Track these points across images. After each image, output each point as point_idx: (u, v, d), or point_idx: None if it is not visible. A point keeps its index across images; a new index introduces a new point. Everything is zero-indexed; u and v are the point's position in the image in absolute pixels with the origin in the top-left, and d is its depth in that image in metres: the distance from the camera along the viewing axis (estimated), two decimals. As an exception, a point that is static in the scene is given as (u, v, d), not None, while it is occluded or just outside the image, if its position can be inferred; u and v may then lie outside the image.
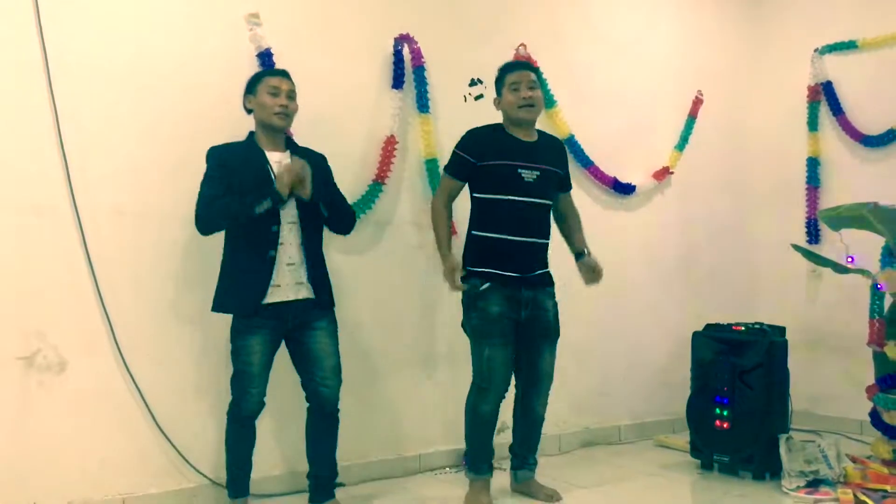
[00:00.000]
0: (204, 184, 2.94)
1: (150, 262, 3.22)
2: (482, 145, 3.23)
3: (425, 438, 3.85)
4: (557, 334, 3.36)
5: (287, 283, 2.93)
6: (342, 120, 3.63)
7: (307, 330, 3.00)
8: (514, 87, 3.25)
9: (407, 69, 3.80)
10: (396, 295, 3.78)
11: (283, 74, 3.06)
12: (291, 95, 3.01)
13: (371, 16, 3.75)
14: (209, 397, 3.30)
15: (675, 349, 4.34)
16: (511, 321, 3.19)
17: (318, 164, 3.06)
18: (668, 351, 4.51)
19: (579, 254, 3.43)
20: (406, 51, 3.79)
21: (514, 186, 3.18)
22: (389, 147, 3.71)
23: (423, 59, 3.81)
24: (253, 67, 3.41)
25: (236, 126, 3.37)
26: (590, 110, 4.38)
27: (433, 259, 3.88)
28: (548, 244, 3.34)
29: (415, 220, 3.82)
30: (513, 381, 3.32)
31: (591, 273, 3.38)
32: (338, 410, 3.09)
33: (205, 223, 2.92)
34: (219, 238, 3.23)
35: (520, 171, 3.18)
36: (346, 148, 3.59)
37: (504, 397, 3.25)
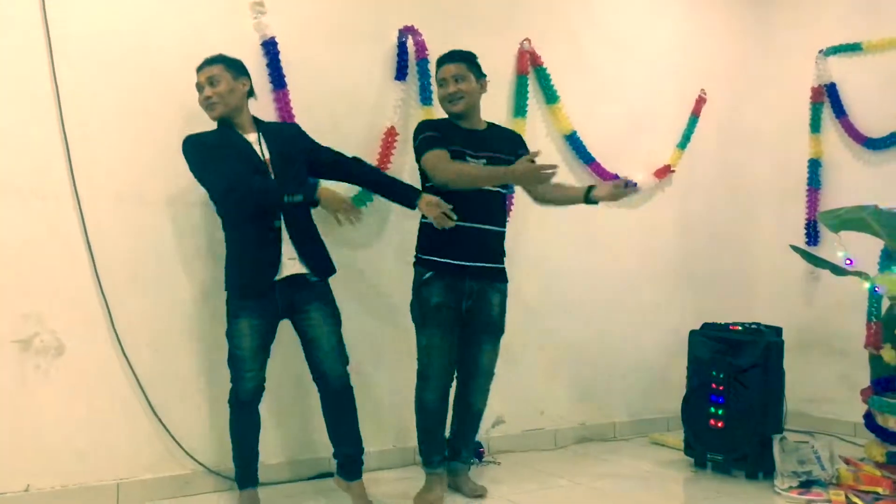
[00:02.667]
0: (209, 166, 2.89)
1: (149, 248, 3.22)
2: (439, 128, 3.19)
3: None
4: (501, 331, 3.31)
5: (284, 259, 2.90)
6: (344, 110, 3.63)
7: (300, 314, 2.98)
8: (442, 83, 3.22)
9: (410, 61, 3.80)
10: (396, 287, 3.78)
11: (205, 64, 2.98)
12: (212, 82, 2.94)
13: (376, 6, 3.74)
14: (206, 384, 3.31)
15: (673, 347, 4.34)
16: (452, 311, 3.16)
17: (294, 135, 3.08)
18: (666, 349, 4.52)
19: (588, 191, 3.27)
20: (410, 42, 3.79)
21: None
22: (390, 139, 3.71)
23: (427, 52, 3.80)
24: (257, 55, 3.41)
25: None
26: (593, 107, 4.37)
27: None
28: (500, 233, 3.26)
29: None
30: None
31: (612, 190, 3.22)
32: (350, 388, 3.03)
33: (240, 197, 2.86)
34: (212, 224, 3.24)
35: (467, 157, 3.14)
36: (347, 138, 3.58)
37: (450, 387, 3.24)
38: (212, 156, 2.91)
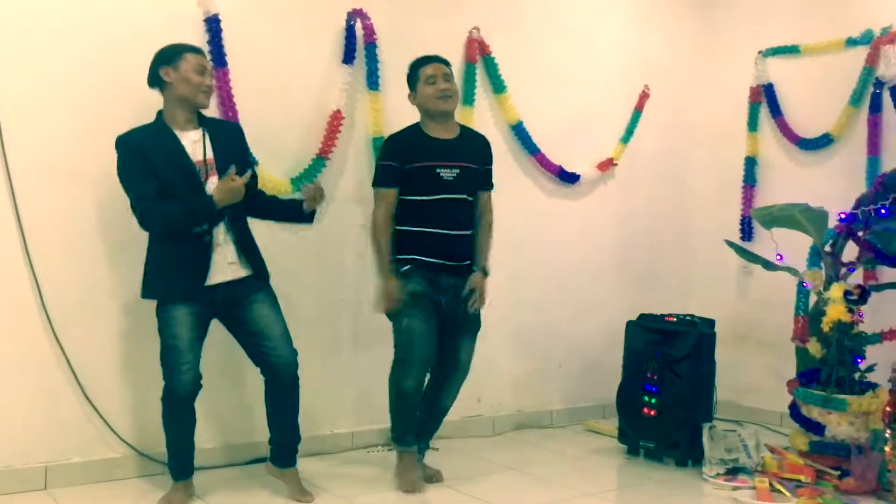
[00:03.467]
0: (131, 178, 2.80)
1: (82, 225, 3.14)
2: (404, 150, 3.23)
3: (360, 416, 3.85)
4: (478, 326, 3.37)
5: (218, 262, 2.85)
6: (289, 92, 3.59)
7: (243, 306, 2.92)
8: (431, 80, 3.24)
9: (358, 45, 3.77)
10: (336, 272, 3.77)
11: (203, 53, 2.96)
12: (212, 74, 2.98)
13: (324, -12, 3.70)
14: (138, 366, 3.24)
15: (610, 337, 4.42)
16: (432, 301, 3.21)
17: (234, 137, 3.02)
18: (603, 338, 4.60)
19: (478, 268, 3.33)
20: (359, 26, 3.76)
21: (434, 186, 3.20)
22: (335, 122, 3.68)
23: (375, 36, 3.78)
24: (200, 32, 3.35)
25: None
26: (539, 98, 4.40)
27: (364, 240, 3.87)
28: (469, 236, 3.33)
29: (358, 197, 3.80)
30: None
31: (473, 294, 3.27)
32: (297, 378, 3.01)
33: (148, 226, 2.82)
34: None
35: (438, 170, 3.20)
36: (292, 120, 3.55)
37: (428, 372, 3.26)
38: (134, 167, 2.79)
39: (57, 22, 3.06)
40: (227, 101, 3.39)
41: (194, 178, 2.83)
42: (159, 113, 2.92)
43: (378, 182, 3.28)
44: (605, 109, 4.71)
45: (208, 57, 2.99)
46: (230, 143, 2.96)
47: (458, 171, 3.23)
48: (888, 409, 3.57)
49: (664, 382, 3.81)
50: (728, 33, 5.02)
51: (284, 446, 3.08)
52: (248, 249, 2.95)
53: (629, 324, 4.08)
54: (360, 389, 3.85)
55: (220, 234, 2.87)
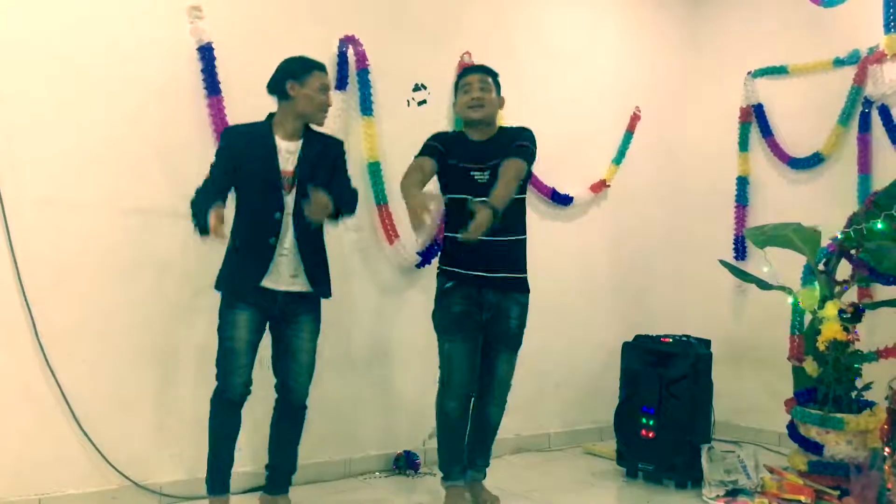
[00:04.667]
0: (212, 166, 2.97)
1: (76, 255, 3.13)
2: (447, 142, 3.29)
3: (356, 442, 3.82)
4: (519, 343, 3.34)
5: (282, 272, 2.91)
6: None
7: (290, 321, 2.97)
8: (466, 90, 3.29)
9: (351, 71, 3.79)
10: (331, 298, 3.75)
11: (327, 71, 3.07)
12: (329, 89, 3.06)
13: (317, 15, 3.72)
14: (133, 396, 3.23)
15: (606, 358, 4.42)
16: (473, 320, 3.21)
17: (329, 150, 3.06)
18: (600, 360, 4.59)
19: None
20: (351, 52, 3.78)
21: (467, 187, 3.18)
22: (330, 148, 3.68)
23: (367, 62, 3.80)
24: (193, 60, 3.36)
25: (173, 114, 3.33)
26: (531, 121, 4.35)
27: (371, 263, 3.88)
28: (518, 241, 3.29)
29: (356, 224, 3.79)
30: None
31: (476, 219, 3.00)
32: (305, 407, 3.05)
33: (193, 210, 2.90)
34: (147, 232, 3.18)
35: (472, 172, 3.21)
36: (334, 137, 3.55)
37: (471, 396, 3.25)
38: (218, 157, 2.97)
39: (51, 49, 3.06)
40: (221, 128, 3.39)
41: (276, 186, 2.90)
42: (270, 115, 3.01)
43: (418, 154, 3.28)
44: (596, 131, 4.74)
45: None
46: (321, 158, 2.99)
47: (489, 172, 3.18)
48: (886, 427, 3.56)
49: (662, 404, 3.80)
50: (717, 54, 5.07)
51: (280, 472, 3.08)
52: (312, 266, 2.97)
53: (625, 345, 4.07)
54: (355, 415, 3.83)
55: (287, 243, 2.91)
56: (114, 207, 3.19)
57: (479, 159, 3.23)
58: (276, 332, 3.01)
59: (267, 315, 2.95)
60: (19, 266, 3.00)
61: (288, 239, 2.92)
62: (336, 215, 2.97)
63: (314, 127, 3.05)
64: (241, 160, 2.90)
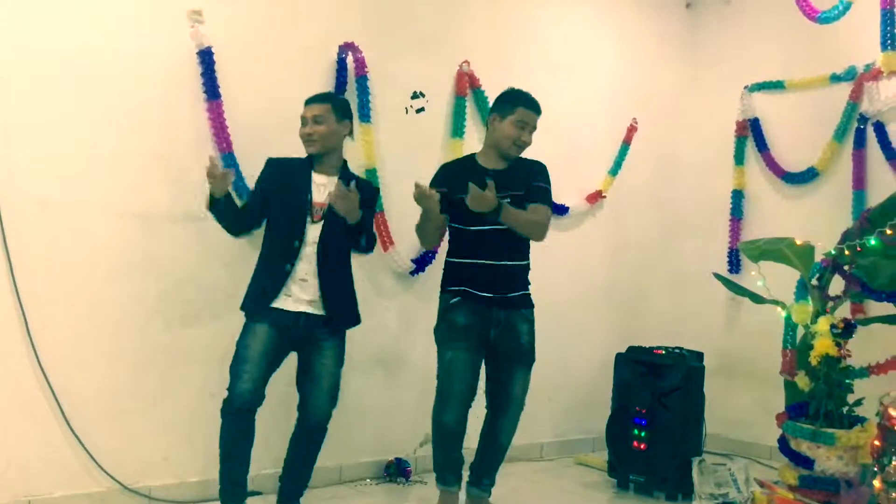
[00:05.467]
0: (253, 191, 3.16)
1: (72, 257, 3.12)
2: (451, 177, 3.22)
3: (347, 449, 3.82)
4: (532, 359, 3.30)
5: (297, 296, 2.98)
6: (282, 123, 3.58)
7: (314, 346, 3.02)
8: (521, 125, 3.22)
9: (350, 78, 3.80)
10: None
11: (311, 101, 3.11)
12: (317, 120, 3.05)
13: (317, 22, 3.73)
14: (124, 399, 3.22)
15: (600, 369, 4.42)
16: (479, 334, 3.17)
17: (364, 191, 3.10)
18: (593, 371, 4.60)
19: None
20: (350, 59, 3.79)
21: (481, 217, 3.08)
22: (328, 154, 3.69)
23: (366, 69, 3.81)
24: (193, 64, 3.36)
25: (173, 118, 3.34)
26: None
27: (369, 269, 3.88)
28: (524, 266, 3.31)
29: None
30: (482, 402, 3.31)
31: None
32: (324, 430, 3.07)
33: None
34: (144, 235, 3.18)
35: None
36: (285, 151, 3.53)
37: (470, 406, 3.20)
38: (256, 182, 3.12)
39: (50, 51, 3.07)
40: (220, 132, 3.40)
41: (302, 215, 3.00)
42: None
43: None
44: (593, 142, 4.75)
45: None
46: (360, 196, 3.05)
47: (507, 200, 3.11)
48: (876, 443, 3.57)
49: (654, 416, 3.81)
50: (714, 68, 5.10)
51: (292, 486, 3.10)
52: (332, 294, 3.03)
53: (618, 356, 4.08)
54: (347, 421, 3.82)
55: (307, 271, 2.99)
56: (111, 210, 3.19)
57: (496, 188, 3.07)
58: (300, 354, 3.07)
59: (289, 335, 2.98)
60: (14, 267, 2.99)
61: (309, 266, 2.99)
62: (359, 234, 3.07)
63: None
64: (275, 188, 3.04)
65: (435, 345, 3.26)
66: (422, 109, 4.03)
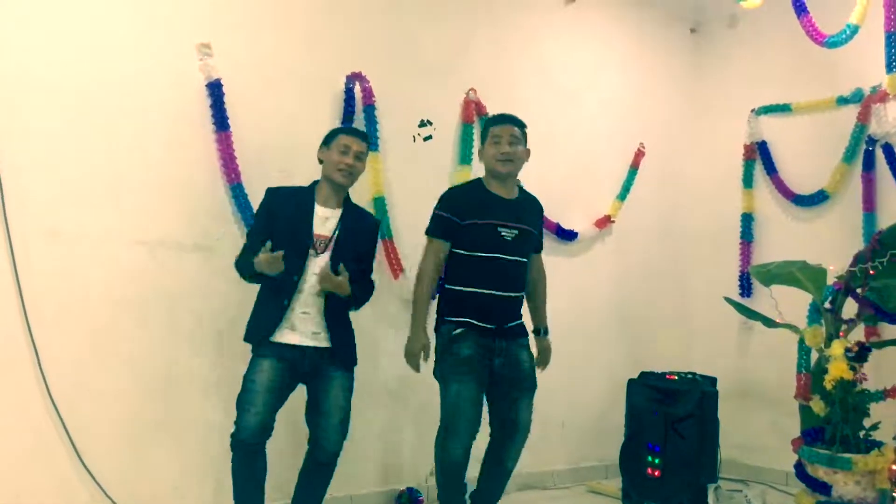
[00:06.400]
0: (250, 228, 3.15)
1: (82, 287, 3.13)
2: (463, 204, 3.21)
3: (357, 479, 3.79)
4: (534, 385, 3.30)
5: (302, 329, 2.97)
6: (290, 153, 3.62)
7: (322, 379, 3.00)
8: (496, 140, 3.24)
9: (357, 107, 3.83)
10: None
11: (358, 135, 3.13)
12: (360, 157, 3.08)
13: (324, 52, 3.77)
14: (133, 430, 3.21)
15: (612, 395, 4.38)
16: (483, 366, 3.15)
17: (367, 224, 3.17)
18: (605, 397, 4.56)
19: (538, 330, 3.45)
20: (357, 89, 3.82)
21: (493, 245, 3.16)
22: (336, 183, 3.71)
23: (373, 98, 3.84)
24: (202, 97, 3.40)
25: (183, 149, 3.36)
26: (536, 156, 4.37)
27: (377, 299, 3.86)
28: (522, 297, 3.34)
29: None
30: (487, 430, 3.28)
31: (543, 355, 3.41)
32: (336, 463, 3.05)
33: (239, 272, 3.04)
34: (154, 265, 3.19)
35: (499, 229, 3.18)
36: (293, 181, 3.56)
37: (474, 438, 3.15)
38: (258, 217, 3.09)
39: (60, 83, 3.10)
40: (229, 163, 3.42)
41: (304, 248, 2.98)
42: (315, 182, 3.14)
43: (431, 231, 3.25)
44: (601, 167, 4.76)
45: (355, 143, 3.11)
46: (360, 232, 3.11)
47: (517, 231, 3.20)
48: (894, 467, 3.52)
49: (667, 442, 3.77)
50: (720, 92, 5.11)
51: None
52: (336, 327, 3.02)
53: (630, 382, 4.05)
54: (357, 451, 3.79)
55: (311, 303, 2.98)
56: (121, 240, 3.21)
57: (507, 217, 3.21)
58: (309, 387, 3.05)
59: (296, 369, 2.97)
60: (24, 297, 3.00)
61: (310, 299, 2.98)
62: (352, 301, 3.07)
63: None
64: (277, 219, 3.00)
65: (434, 375, 3.22)
66: (429, 137, 4.06)
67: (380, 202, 3.85)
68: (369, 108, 3.83)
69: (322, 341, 3.00)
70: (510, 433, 3.24)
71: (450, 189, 3.37)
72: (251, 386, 2.91)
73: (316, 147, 3.68)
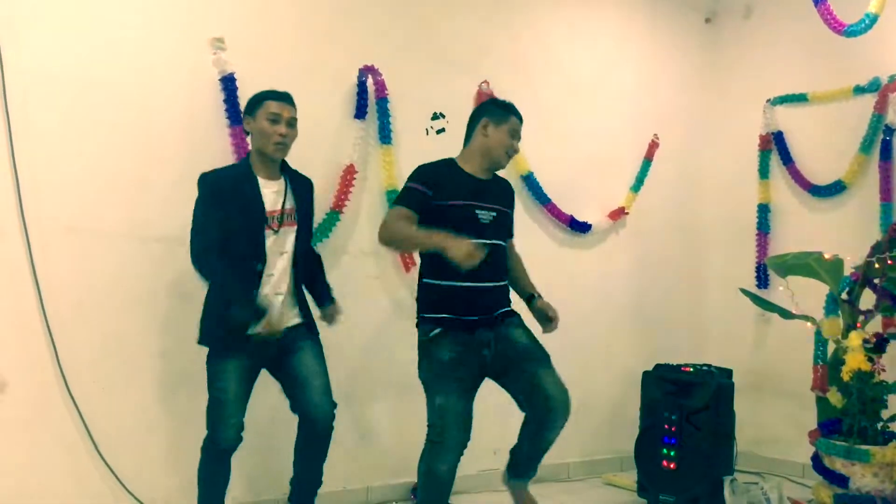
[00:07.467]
0: (197, 212, 2.82)
1: (99, 283, 3.16)
2: (437, 179, 2.96)
3: (373, 470, 3.80)
4: (546, 355, 3.03)
5: (280, 312, 2.86)
6: (303, 147, 3.58)
7: (291, 353, 2.89)
8: (513, 134, 3.07)
9: (370, 100, 3.83)
10: (349, 324, 3.75)
11: (285, 99, 2.91)
12: (292, 123, 2.90)
13: (337, 46, 3.77)
14: (153, 424, 3.24)
15: (626, 388, 4.37)
16: (470, 368, 2.90)
17: (308, 190, 3.06)
18: (619, 389, 4.55)
19: (530, 298, 3.19)
20: (370, 82, 3.82)
21: (469, 228, 2.87)
22: (349, 176, 3.72)
23: (386, 91, 3.84)
24: (215, 90, 3.41)
25: (196, 144, 3.37)
26: (550, 148, 4.44)
27: (390, 290, 3.89)
28: (507, 286, 3.14)
29: (373, 250, 3.81)
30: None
31: (546, 317, 3.13)
32: (332, 429, 2.94)
33: (197, 268, 2.83)
34: (170, 261, 3.20)
35: (476, 211, 2.95)
36: (306, 174, 3.57)
37: (462, 454, 2.90)
38: (205, 206, 2.82)
39: (74, 79, 3.12)
40: (243, 157, 3.43)
41: (260, 228, 2.81)
42: (248, 154, 2.96)
43: (399, 201, 2.95)
44: (614, 159, 4.73)
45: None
46: (308, 200, 3.02)
47: (494, 213, 3.00)
48: (913, 459, 3.49)
49: (683, 434, 3.75)
50: (735, 82, 5.07)
51: (306, 485, 3.03)
52: (301, 299, 2.95)
53: (645, 374, 4.04)
54: (373, 443, 3.81)
55: (284, 284, 2.87)
56: (137, 236, 3.23)
57: (484, 198, 2.99)
58: (281, 368, 2.91)
59: (262, 358, 2.87)
60: (42, 293, 3.03)
61: (284, 280, 2.87)
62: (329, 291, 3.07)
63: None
64: (226, 204, 2.79)
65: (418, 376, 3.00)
66: (442, 130, 4.05)
67: (393, 195, 3.84)
68: (382, 101, 3.83)
69: (295, 318, 2.92)
70: (547, 409, 2.97)
71: (422, 165, 3.05)
72: (222, 396, 2.79)
73: (328, 140, 3.71)
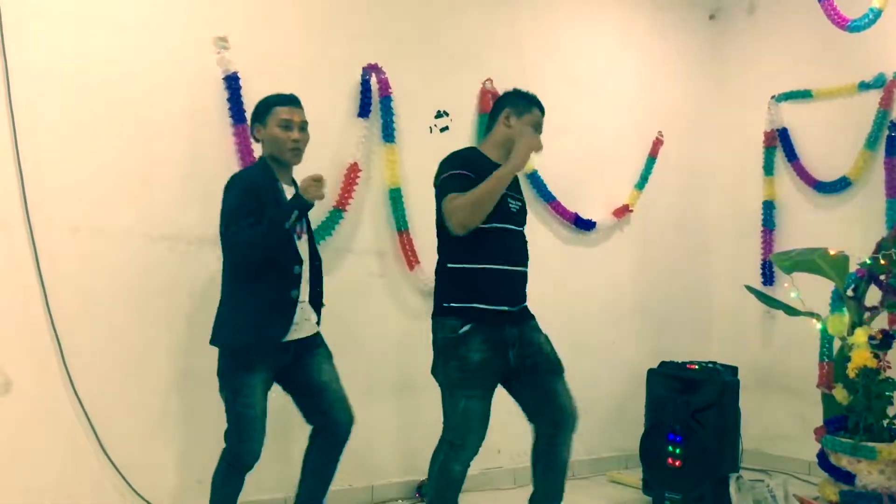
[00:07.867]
0: (234, 201, 2.73)
1: (104, 282, 3.17)
2: (474, 166, 2.87)
3: (378, 469, 3.80)
4: (562, 366, 2.99)
5: (298, 320, 2.79)
6: (307, 146, 3.62)
7: (308, 358, 2.83)
8: (536, 127, 3.01)
9: (374, 99, 3.83)
10: (353, 323, 3.76)
11: (293, 103, 2.85)
12: (304, 127, 2.84)
13: (340, 44, 3.77)
14: (157, 422, 3.24)
15: (631, 385, 4.37)
16: (495, 368, 2.83)
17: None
18: (624, 387, 4.54)
19: None
20: (374, 80, 3.82)
21: (502, 214, 2.85)
22: (352, 174, 3.72)
23: (390, 90, 3.84)
24: (219, 90, 3.41)
25: (200, 143, 3.38)
26: (553, 146, 4.37)
27: (393, 288, 3.89)
28: (526, 273, 3.04)
29: (376, 248, 3.82)
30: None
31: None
32: (349, 436, 2.91)
33: (237, 251, 2.73)
34: (175, 260, 3.20)
35: (507, 199, 2.90)
36: (309, 173, 3.58)
37: (476, 454, 2.89)
38: (245, 201, 2.70)
39: (79, 80, 3.13)
40: (246, 156, 3.44)
41: (292, 230, 2.73)
42: (262, 159, 2.88)
43: (449, 189, 2.81)
44: (619, 156, 4.73)
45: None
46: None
47: (519, 203, 2.99)
48: (920, 457, 3.48)
49: (688, 432, 3.74)
50: (740, 79, 5.05)
51: (318, 491, 2.97)
52: (318, 305, 2.92)
53: (650, 372, 4.03)
54: (378, 442, 3.81)
55: (305, 291, 2.82)
56: (142, 235, 3.24)
57: (512, 187, 2.92)
58: (295, 377, 2.85)
59: (279, 370, 2.80)
60: (48, 293, 3.04)
61: (305, 285, 2.83)
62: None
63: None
64: (261, 203, 2.71)
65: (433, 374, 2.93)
66: (446, 128, 4.05)
67: (396, 194, 3.85)
68: (386, 100, 3.83)
69: (314, 327, 2.88)
70: (561, 424, 2.94)
71: (453, 152, 2.98)
72: (250, 412, 2.69)
73: (331, 139, 3.71)
